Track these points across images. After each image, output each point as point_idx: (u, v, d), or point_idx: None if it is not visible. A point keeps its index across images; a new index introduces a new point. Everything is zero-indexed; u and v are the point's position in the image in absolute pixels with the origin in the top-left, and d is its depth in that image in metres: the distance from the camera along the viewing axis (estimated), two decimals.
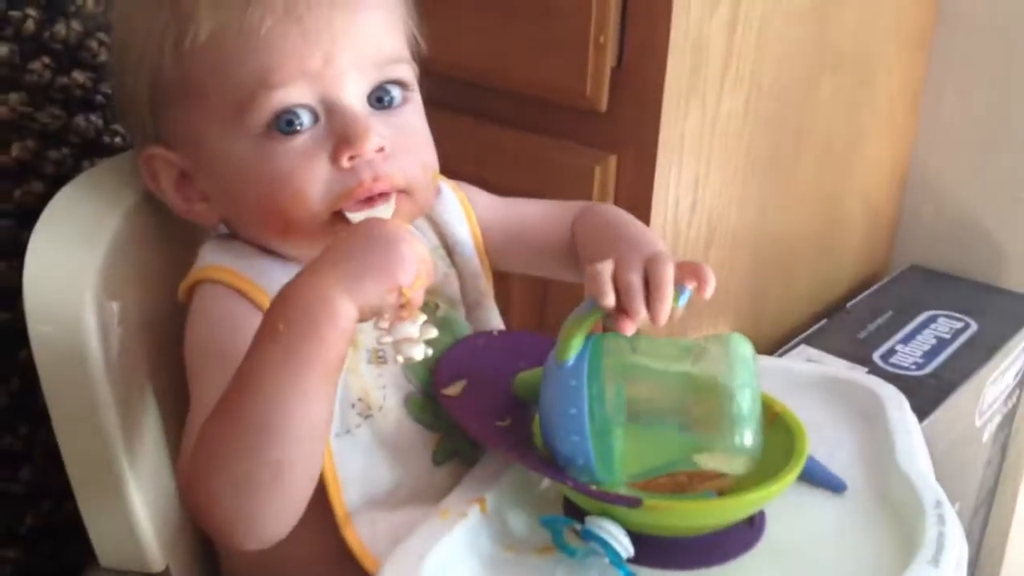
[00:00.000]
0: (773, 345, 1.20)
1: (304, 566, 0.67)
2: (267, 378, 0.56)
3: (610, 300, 0.61)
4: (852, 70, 1.20)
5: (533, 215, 0.80)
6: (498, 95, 1.02)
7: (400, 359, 0.60)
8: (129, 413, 0.67)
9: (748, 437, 0.60)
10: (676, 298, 0.62)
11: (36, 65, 0.78)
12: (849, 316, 1.24)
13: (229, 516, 0.58)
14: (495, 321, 0.78)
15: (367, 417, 0.67)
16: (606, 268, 0.62)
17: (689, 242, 1.05)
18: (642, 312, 0.61)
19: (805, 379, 0.77)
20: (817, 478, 0.68)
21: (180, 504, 0.71)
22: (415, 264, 0.59)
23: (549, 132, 1.01)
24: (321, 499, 0.65)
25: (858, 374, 0.78)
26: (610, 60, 0.94)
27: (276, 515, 0.58)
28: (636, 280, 0.61)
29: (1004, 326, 1.23)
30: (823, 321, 1.23)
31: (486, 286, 0.78)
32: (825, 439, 0.71)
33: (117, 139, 0.83)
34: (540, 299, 1.01)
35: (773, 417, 0.66)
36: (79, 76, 0.80)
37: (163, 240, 0.72)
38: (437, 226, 0.76)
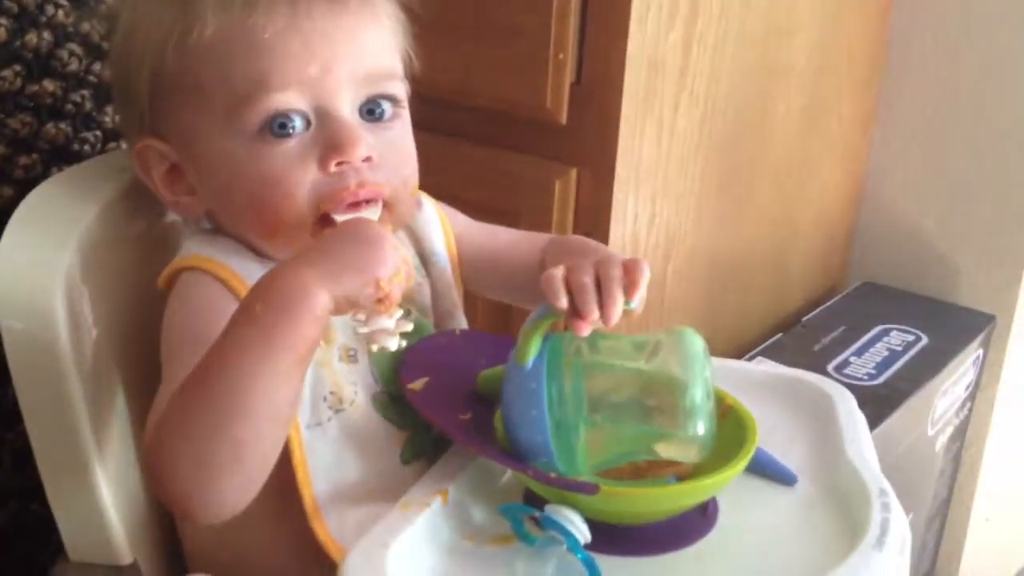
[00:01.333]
0: (729, 358, 1.23)
1: (271, 557, 0.68)
2: (239, 356, 0.58)
3: (563, 302, 0.63)
4: (805, 93, 1.23)
5: (506, 241, 0.83)
6: (462, 110, 1.05)
7: (375, 348, 0.62)
8: (99, 408, 0.68)
9: (701, 427, 0.62)
10: (627, 300, 0.64)
11: (7, 73, 0.79)
12: (804, 330, 1.28)
13: (187, 487, 0.59)
14: None
15: (338, 411, 0.69)
16: (558, 272, 0.64)
17: (647, 255, 1.08)
18: (594, 313, 0.63)
19: (756, 379, 0.80)
20: (768, 470, 0.70)
21: (147, 498, 0.72)
22: (394, 261, 0.61)
23: (511, 147, 1.03)
24: (290, 490, 0.66)
25: (807, 374, 0.81)
26: (569, 76, 0.97)
27: (233, 491, 0.59)
28: (587, 281, 0.63)
29: (954, 339, 1.27)
30: (779, 335, 1.26)
31: (457, 299, 0.80)
32: (776, 434, 0.73)
33: (86, 147, 0.85)
34: (504, 311, 1.03)
35: (726, 410, 0.68)
36: (49, 85, 0.82)
37: (135, 239, 0.74)
38: (415, 236, 0.79)
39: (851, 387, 1.11)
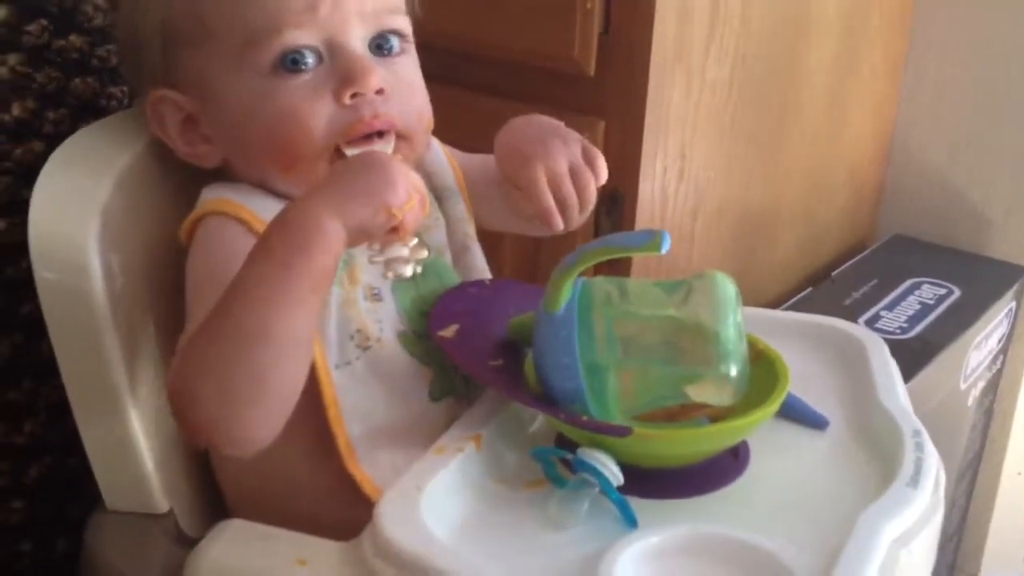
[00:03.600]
0: None
1: (311, 499, 0.69)
2: (256, 287, 0.60)
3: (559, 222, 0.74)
4: (835, 43, 1.22)
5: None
6: (487, 64, 1.04)
7: (390, 275, 0.63)
8: (133, 356, 0.68)
9: (733, 368, 0.62)
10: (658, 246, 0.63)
11: (34, 27, 0.79)
12: (834, 284, 1.27)
13: (211, 419, 0.60)
14: (481, 265, 0.80)
15: (365, 349, 0.70)
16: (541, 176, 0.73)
17: (676, 209, 1.07)
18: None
19: (787, 326, 0.80)
20: (800, 415, 0.70)
21: (183, 447, 0.73)
22: (405, 188, 0.62)
23: (538, 99, 1.02)
24: (325, 432, 0.68)
25: (838, 320, 0.80)
26: (598, 26, 0.96)
27: (256, 421, 0.61)
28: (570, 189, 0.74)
29: (987, 292, 1.26)
30: (808, 289, 1.25)
31: (471, 230, 0.81)
32: (807, 380, 0.73)
33: (113, 102, 0.85)
34: (531, 259, 1.03)
35: (757, 355, 0.68)
36: (76, 39, 0.82)
37: (163, 188, 0.74)
38: (427, 175, 0.79)
39: (885, 342, 1.12)
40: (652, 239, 0.61)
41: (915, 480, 0.61)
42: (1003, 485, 1.40)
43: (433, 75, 0.75)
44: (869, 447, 0.67)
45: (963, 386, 1.22)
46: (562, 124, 0.77)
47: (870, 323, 1.17)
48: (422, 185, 0.63)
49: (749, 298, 1.21)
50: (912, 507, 0.59)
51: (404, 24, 0.72)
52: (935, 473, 0.63)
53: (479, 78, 1.05)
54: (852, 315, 1.18)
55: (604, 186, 0.98)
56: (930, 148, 1.37)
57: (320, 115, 0.67)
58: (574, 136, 0.76)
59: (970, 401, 1.26)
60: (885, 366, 0.74)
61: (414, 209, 0.62)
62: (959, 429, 1.28)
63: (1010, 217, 1.33)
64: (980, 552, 1.43)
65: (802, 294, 1.24)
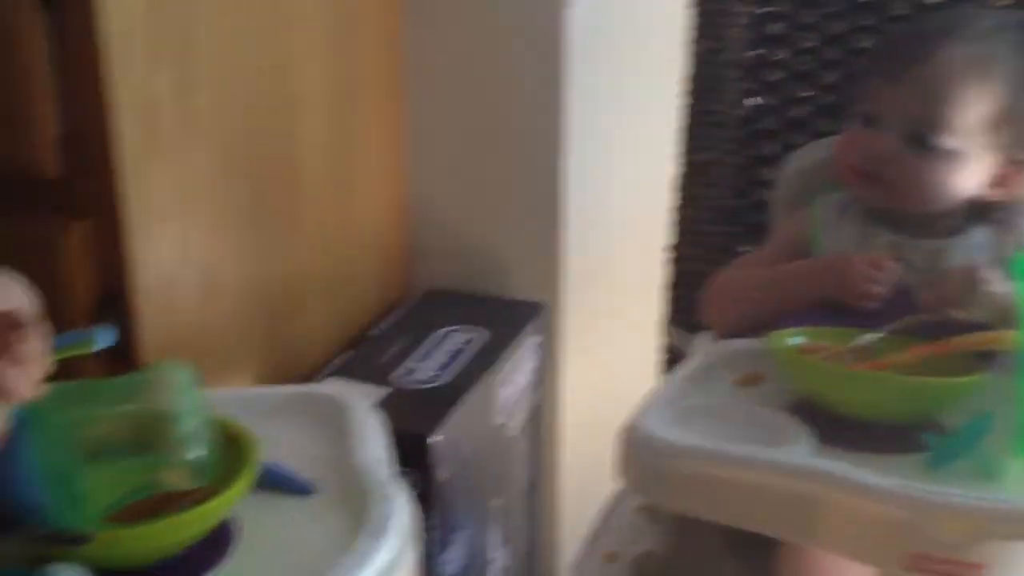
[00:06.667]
0: (299, 381, 1.23)
1: None
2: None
3: None
4: (329, 121, 1.27)
5: None
6: None
7: None
8: None
9: (192, 451, 0.63)
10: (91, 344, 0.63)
11: None
12: (371, 344, 1.31)
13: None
14: None
15: None
16: None
17: (187, 295, 1.06)
18: None
19: (272, 401, 0.82)
20: (284, 485, 0.72)
21: None
22: None
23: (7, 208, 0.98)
24: None
25: (320, 387, 0.84)
26: (55, 128, 0.94)
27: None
28: None
29: (511, 330, 1.35)
30: (349, 352, 1.28)
31: None
32: (293, 449, 0.75)
33: None
34: None
35: (231, 436, 0.69)
36: None
37: None
38: None
39: (417, 392, 1.17)
40: (84, 339, 0.61)
41: (380, 530, 0.64)
42: (563, 505, 1.51)
43: None
44: (349, 506, 0.70)
45: (499, 421, 1.30)
46: None
47: (405, 376, 1.22)
48: None
49: (288, 371, 1.23)
50: (378, 555, 0.62)
51: None
52: (402, 522, 0.66)
53: None
54: (387, 371, 1.22)
55: (98, 291, 0.97)
56: (447, 208, 1.46)
57: None
58: None
59: (512, 432, 1.35)
60: (363, 424, 0.77)
61: None
62: (510, 459, 1.36)
63: (524, 260, 1.45)
64: (552, 573, 1.53)
65: (339, 358, 1.27)
